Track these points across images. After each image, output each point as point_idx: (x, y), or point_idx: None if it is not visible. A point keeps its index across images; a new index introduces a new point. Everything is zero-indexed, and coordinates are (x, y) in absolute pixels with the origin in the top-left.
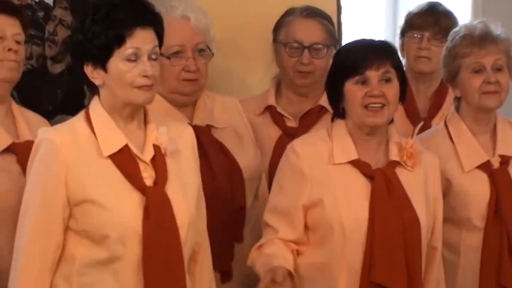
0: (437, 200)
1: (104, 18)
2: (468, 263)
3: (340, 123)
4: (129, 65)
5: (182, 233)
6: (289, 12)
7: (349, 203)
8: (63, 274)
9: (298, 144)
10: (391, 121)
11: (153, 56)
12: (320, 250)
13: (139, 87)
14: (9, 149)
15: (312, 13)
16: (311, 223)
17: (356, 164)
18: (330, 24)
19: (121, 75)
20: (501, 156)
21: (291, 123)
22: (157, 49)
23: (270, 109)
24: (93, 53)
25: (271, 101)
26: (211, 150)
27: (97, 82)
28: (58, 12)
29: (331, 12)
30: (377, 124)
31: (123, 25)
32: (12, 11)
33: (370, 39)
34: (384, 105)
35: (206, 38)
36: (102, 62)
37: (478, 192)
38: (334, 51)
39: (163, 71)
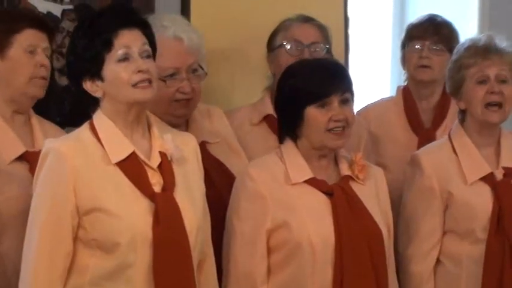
0: (388, 212)
1: (88, 29)
2: (471, 274)
3: (289, 145)
4: (123, 65)
5: (191, 238)
6: (284, 20)
7: (315, 221)
8: (74, 286)
9: (253, 170)
10: None
11: (145, 54)
12: (287, 271)
13: (137, 85)
14: (22, 157)
15: (307, 18)
16: (274, 245)
17: (312, 182)
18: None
19: (117, 76)
20: (505, 169)
21: None
22: (147, 47)
23: (268, 118)
24: (86, 67)
25: (270, 109)
26: (210, 168)
27: (98, 94)
28: (66, 24)
29: (338, 24)
30: (340, 146)
31: (108, 29)
32: (43, 26)
33: (323, 61)
34: (344, 127)
35: (198, 57)
36: (97, 73)
37: (481, 204)
38: (330, 54)
39: (158, 92)
